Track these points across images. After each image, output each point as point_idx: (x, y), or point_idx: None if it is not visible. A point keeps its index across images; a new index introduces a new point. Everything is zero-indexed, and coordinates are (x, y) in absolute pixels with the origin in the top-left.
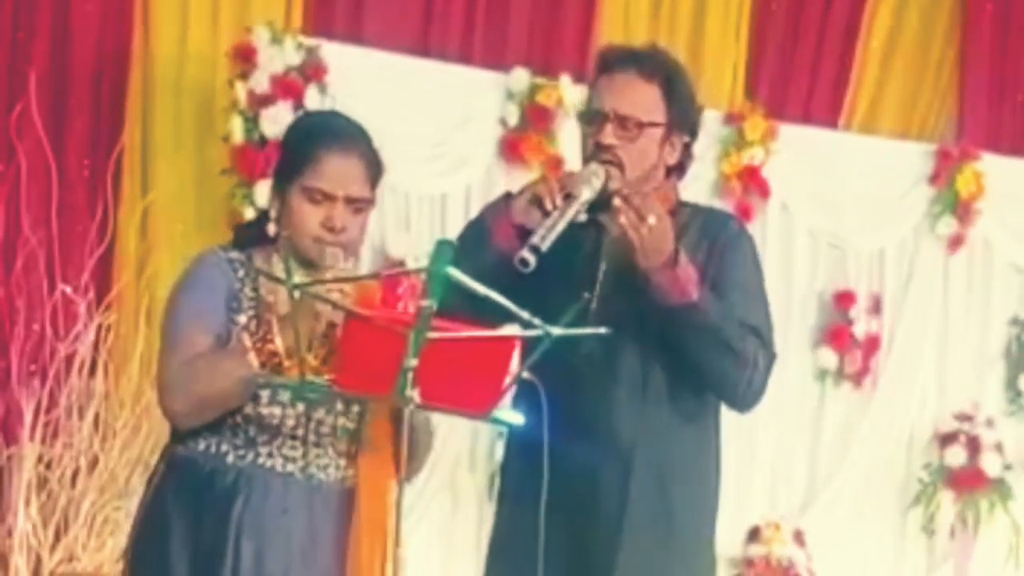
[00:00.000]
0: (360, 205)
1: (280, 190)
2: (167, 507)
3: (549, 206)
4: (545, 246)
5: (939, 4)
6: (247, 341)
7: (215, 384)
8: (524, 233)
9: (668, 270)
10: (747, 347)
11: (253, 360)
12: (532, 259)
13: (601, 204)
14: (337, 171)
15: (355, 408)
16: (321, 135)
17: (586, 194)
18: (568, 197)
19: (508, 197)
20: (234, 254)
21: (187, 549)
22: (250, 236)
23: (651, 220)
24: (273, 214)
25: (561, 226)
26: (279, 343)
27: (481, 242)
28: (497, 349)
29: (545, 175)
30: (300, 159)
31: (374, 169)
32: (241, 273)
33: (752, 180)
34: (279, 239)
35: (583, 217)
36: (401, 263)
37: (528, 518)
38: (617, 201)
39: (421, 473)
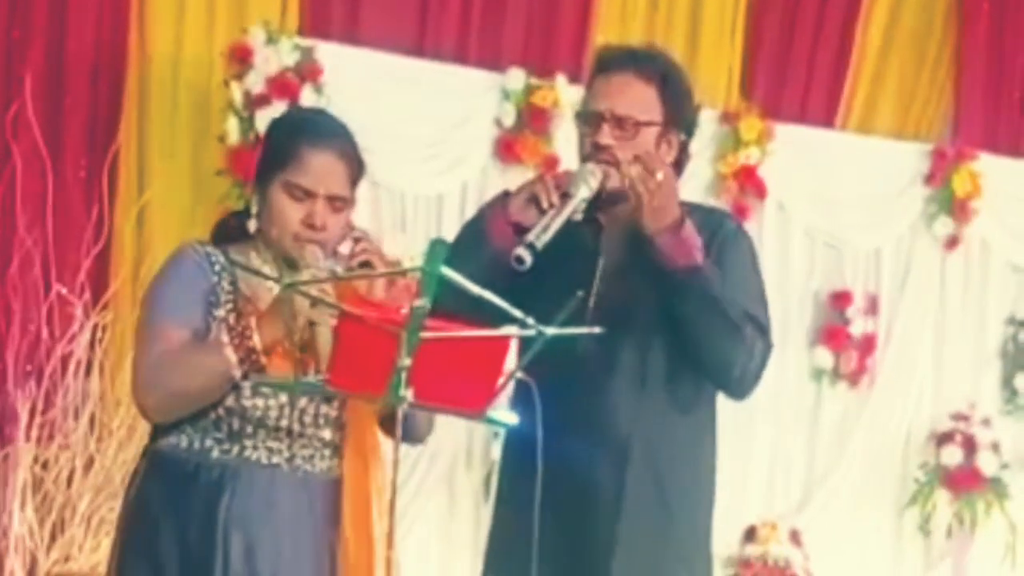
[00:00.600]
0: (340, 204)
1: (261, 185)
2: (153, 505)
3: (545, 204)
4: (541, 244)
5: (935, 3)
6: (224, 337)
7: (191, 379)
8: (522, 231)
9: (674, 232)
10: (746, 327)
11: (231, 355)
12: (528, 257)
13: (599, 202)
14: (320, 168)
15: (338, 396)
16: (305, 132)
17: (583, 192)
18: (565, 196)
19: (506, 196)
20: (211, 248)
21: (176, 547)
22: (229, 231)
23: (659, 176)
24: (254, 209)
25: (557, 224)
26: (257, 340)
27: (479, 241)
28: (491, 348)
29: (542, 174)
30: (283, 155)
31: (356, 168)
32: (218, 267)
33: (748, 180)
34: (258, 235)
35: (580, 215)
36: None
37: (525, 518)
38: (625, 159)
39: (417, 468)
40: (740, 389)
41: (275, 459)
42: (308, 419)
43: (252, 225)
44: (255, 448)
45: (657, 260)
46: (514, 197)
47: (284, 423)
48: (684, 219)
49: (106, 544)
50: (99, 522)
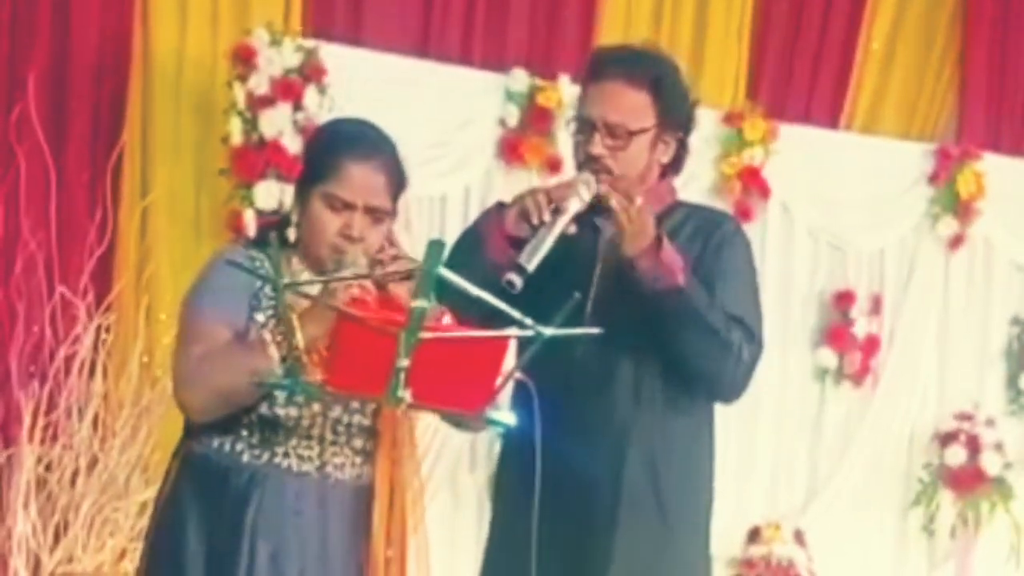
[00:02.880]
0: (380, 215)
1: (301, 195)
2: (183, 504)
3: (536, 221)
4: (532, 266)
5: (939, 4)
6: (268, 336)
7: (235, 378)
8: (517, 243)
9: (653, 254)
10: (732, 336)
11: (274, 354)
12: (519, 281)
13: (597, 207)
14: (359, 180)
15: (371, 405)
16: (347, 144)
17: (574, 206)
18: (556, 211)
19: (500, 207)
20: (255, 252)
21: (202, 546)
22: (268, 236)
23: (638, 200)
24: (294, 218)
25: (549, 242)
26: (300, 338)
27: (475, 254)
28: (490, 349)
29: (534, 188)
30: (323, 166)
31: (397, 180)
32: (262, 272)
33: (752, 180)
34: (298, 243)
35: (573, 229)
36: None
37: (523, 518)
38: (604, 188)
39: (421, 468)
40: (728, 394)
41: (305, 467)
42: (341, 428)
43: (292, 234)
44: (286, 455)
45: (639, 283)
46: (508, 211)
47: (316, 432)
48: (663, 240)
49: (110, 544)
50: (102, 522)
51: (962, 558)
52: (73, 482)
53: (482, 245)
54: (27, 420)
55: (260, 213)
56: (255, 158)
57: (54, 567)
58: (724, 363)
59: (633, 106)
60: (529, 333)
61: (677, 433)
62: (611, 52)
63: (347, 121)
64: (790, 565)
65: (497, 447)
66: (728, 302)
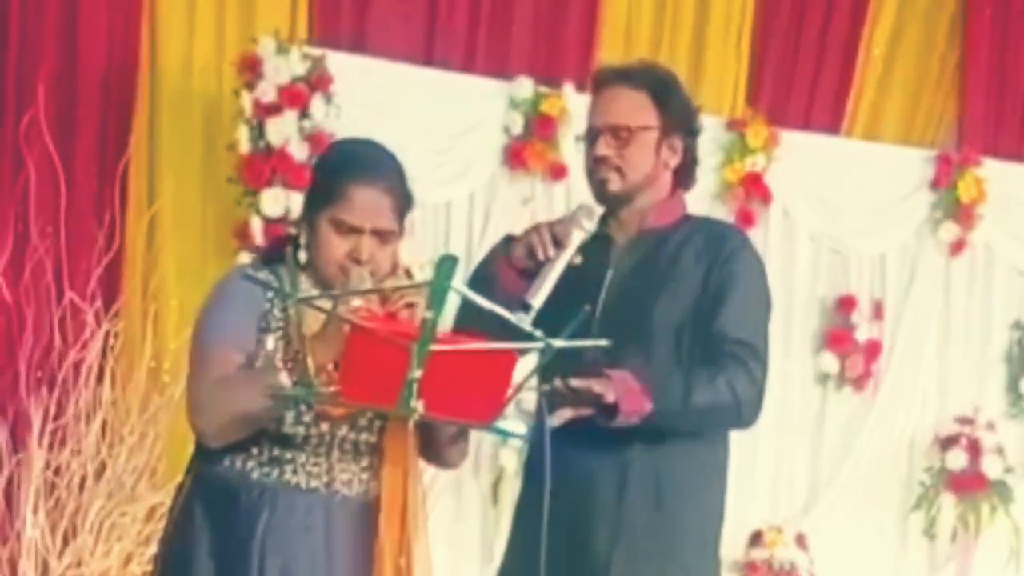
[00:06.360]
0: (387, 237)
1: (309, 218)
2: (194, 520)
3: (541, 256)
4: (538, 303)
5: (940, 10)
6: (279, 362)
7: (247, 404)
8: (528, 274)
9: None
10: (721, 393)
11: (285, 380)
12: (527, 319)
13: (607, 212)
14: (364, 204)
15: (377, 423)
16: (351, 169)
17: (576, 238)
18: (559, 245)
19: (509, 241)
20: (263, 274)
21: (213, 563)
22: (278, 256)
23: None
24: (303, 240)
25: (553, 278)
26: (310, 363)
27: (490, 287)
28: (500, 361)
29: (539, 224)
30: (329, 190)
31: (403, 201)
32: (271, 293)
33: (754, 186)
34: (307, 264)
35: (578, 260)
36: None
37: (533, 528)
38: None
39: (425, 473)
40: (741, 427)
41: (314, 483)
42: (348, 446)
43: (303, 256)
44: (295, 472)
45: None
46: (515, 248)
47: (323, 450)
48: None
49: (117, 549)
50: (110, 527)
51: (962, 561)
52: (81, 487)
53: (494, 280)
54: (36, 425)
55: (267, 220)
56: (262, 166)
57: (62, 571)
58: (722, 419)
59: (633, 106)
60: (539, 345)
61: (685, 450)
62: (612, 67)
63: (351, 143)
64: (792, 569)
65: (502, 452)
66: (731, 323)
